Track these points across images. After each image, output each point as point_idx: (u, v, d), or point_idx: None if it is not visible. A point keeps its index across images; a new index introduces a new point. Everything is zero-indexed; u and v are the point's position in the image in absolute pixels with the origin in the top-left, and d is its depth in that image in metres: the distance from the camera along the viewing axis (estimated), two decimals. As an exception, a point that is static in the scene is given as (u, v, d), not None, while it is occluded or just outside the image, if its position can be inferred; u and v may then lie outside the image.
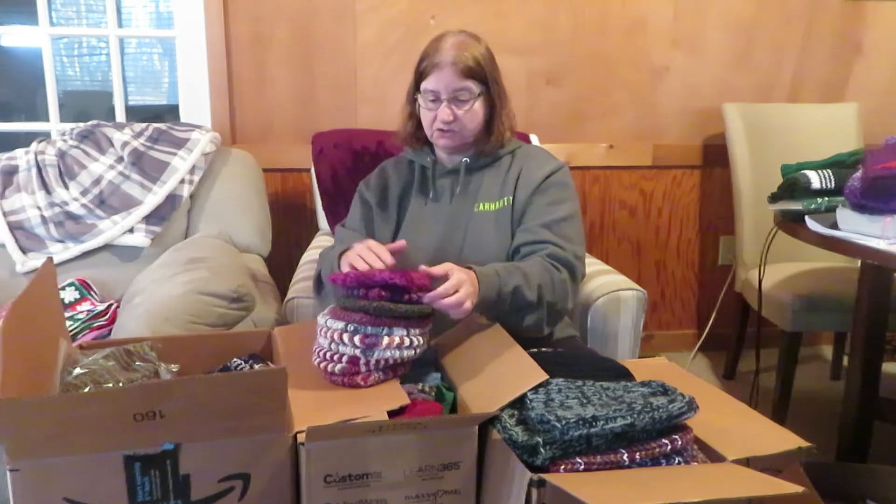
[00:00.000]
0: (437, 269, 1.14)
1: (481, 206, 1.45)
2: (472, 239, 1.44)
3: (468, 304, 1.12)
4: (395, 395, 1.03)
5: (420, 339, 1.12)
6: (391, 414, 0.97)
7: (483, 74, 1.39)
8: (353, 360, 1.08)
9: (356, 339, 1.07)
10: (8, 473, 0.82)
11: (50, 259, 1.17)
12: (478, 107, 1.41)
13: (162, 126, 2.06)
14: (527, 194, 1.43)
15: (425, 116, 1.43)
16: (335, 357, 1.09)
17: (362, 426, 0.89)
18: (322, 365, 1.10)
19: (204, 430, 0.85)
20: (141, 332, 1.40)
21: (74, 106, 3.40)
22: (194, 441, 0.86)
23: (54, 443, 0.82)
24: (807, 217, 1.58)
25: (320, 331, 1.13)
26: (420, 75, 1.41)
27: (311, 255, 1.87)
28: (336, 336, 1.09)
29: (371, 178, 1.57)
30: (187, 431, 0.85)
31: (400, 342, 1.08)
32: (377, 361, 1.08)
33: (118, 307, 1.70)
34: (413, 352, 1.11)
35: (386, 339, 1.07)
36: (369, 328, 1.07)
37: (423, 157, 1.52)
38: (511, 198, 1.44)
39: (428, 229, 1.47)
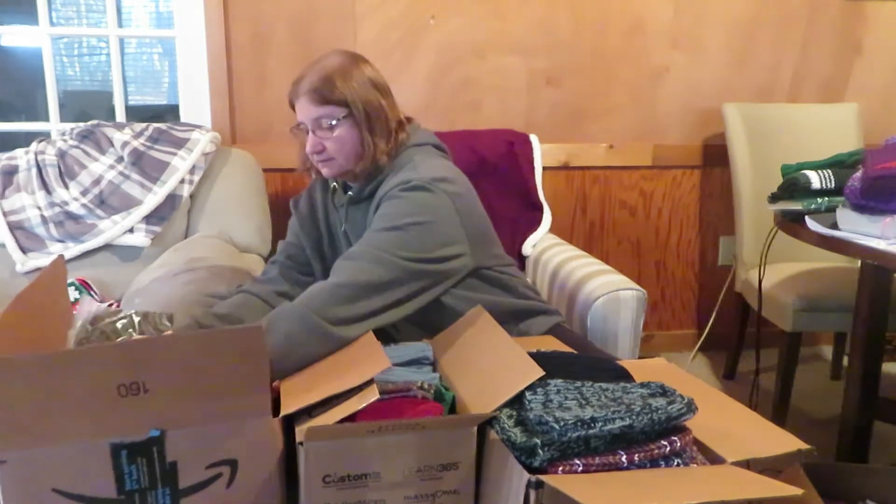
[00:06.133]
0: None
1: None
2: None
3: None
4: (375, 358, 1.03)
5: None
6: (389, 409, 0.97)
7: (343, 98, 1.31)
8: None
9: None
10: None
11: (61, 257, 1.16)
12: (343, 132, 1.32)
13: (162, 126, 2.07)
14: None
15: (305, 147, 1.38)
16: None
17: (361, 426, 0.89)
18: None
19: (188, 405, 0.85)
20: (141, 332, 1.41)
21: (74, 106, 3.40)
22: (179, 423, 0.85)
23: (39, 425, 0.82)
24: (807, 217, 1.58)
25: None
26: (292, 107, 1.38)
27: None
28: None
29: (300, 199, 1.54)
30: (172, 407, 0.84)
31: None
32: None
33: (118, 307, 1.70)
34: None
35: None
36: None
37: (331, 181, 1.48)
38: None
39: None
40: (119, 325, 1.18)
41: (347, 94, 1.31)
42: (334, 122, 1.32)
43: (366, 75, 1.36)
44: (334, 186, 1.48)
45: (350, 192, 1.43)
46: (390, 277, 1.19)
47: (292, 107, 1.38)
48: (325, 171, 1.39)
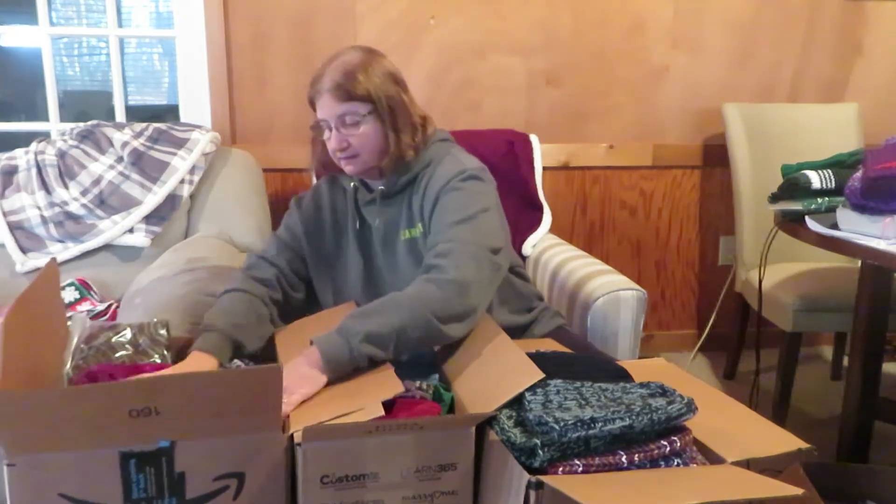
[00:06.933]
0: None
1: (406, 234, 1.37)
2: (391, 272, 1.37)
3: (305, 390, 1.05)
4: (389, 383, 1.03)
5: None
6: (388, 408, 0.97)
7: (367, 93, 1.29)
8: None
9: None
10: (4, 468, 0.82)
11: (53, 259, 1.17)
12: (368, 128, 1.31)
13: (162, 126, 2.06)
14: (429, 214, 1.31)
15: (327, 145, 1.36)
16: None
17: (359, 426, 0.89)
18: None
19: (199, 427, 0.85)
20: (140, 332, 1.40)
21: (74, 106, 3.40)
22: (189, 438, 0.86)
23: (50, 438, 0.82)
24: (807, 217, 1.58)
25: None
26: (312, 105, 1.35)
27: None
28: None
29: (305, 198, 1.49)
30: (182, 428, 0.85)
31: None
32: None
33: (118, 307, 1.70)
34: None
35: None
36: None
37: (347, 181, 1.45)
38: (422, 223, 1.34)
39: (357, 263, 1.42)
40: (114, 340, 1.15)
41: (371, 89, 1.29)
42: (359, 119, 1.30)
43: (386, 69, 1.34)
44: (355, 186, 1.44)
45: (382, 187, 1.39)
46: (481, 271, 1.20)
47: (312, 105, 1.35)
48: (348, 169, 1.36)
